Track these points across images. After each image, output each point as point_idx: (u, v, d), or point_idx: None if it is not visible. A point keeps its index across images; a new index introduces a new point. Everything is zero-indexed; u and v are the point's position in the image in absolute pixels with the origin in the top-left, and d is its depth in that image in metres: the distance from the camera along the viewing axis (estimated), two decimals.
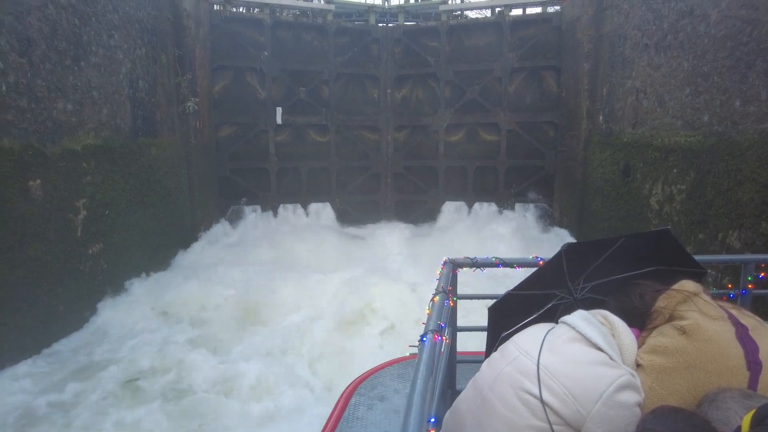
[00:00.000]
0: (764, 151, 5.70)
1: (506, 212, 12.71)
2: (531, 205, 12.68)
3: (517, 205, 12.74)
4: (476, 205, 13.00)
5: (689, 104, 7.14)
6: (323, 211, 13.11)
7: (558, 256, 2.11)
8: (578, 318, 1.64)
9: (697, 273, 2.02)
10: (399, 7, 13.23)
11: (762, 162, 5.72)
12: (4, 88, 5.60)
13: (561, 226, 11.83)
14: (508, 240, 11.05)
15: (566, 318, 1.68)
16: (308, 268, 9.75)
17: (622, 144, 9.07)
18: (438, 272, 2.50)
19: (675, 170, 7.37)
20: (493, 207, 12.86)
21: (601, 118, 10.06)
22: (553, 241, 10.86)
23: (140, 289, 8.27)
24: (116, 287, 7.92)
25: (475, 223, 12.55)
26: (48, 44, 6.36)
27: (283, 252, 10.85)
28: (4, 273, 5.70)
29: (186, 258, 10.10)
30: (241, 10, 12.67)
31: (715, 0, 6.59)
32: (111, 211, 7.74)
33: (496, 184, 12.92)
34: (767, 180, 5.64)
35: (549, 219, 12.41)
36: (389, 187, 13.55)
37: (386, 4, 13.35)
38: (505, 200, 12.79)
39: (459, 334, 2.88)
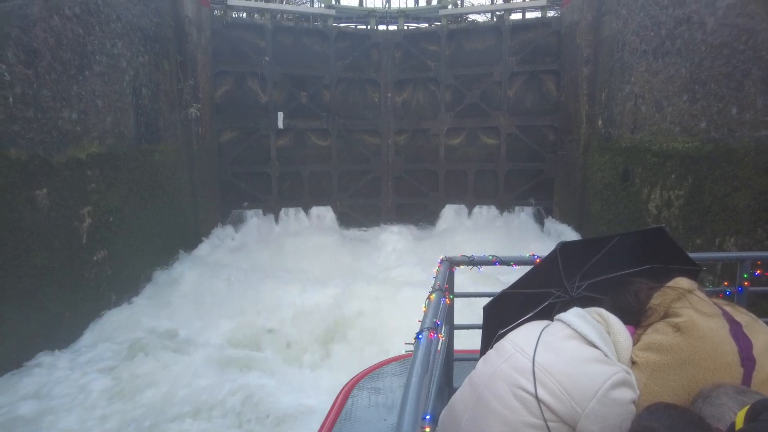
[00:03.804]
0: (760, 158, 5.77)
1: (506, 215, 12.77)
2: (531, 209, 12.75)
3: (517, 208, 12.80)
4: (476, 209, 13.07)
5: (687, 111, 7.20)
6: (324, 215, 13.18)
7: (553, 255, 2.12)
8: (574, 315, 1.64)
9: (692, 270, 2.03)
10: (399, 11, 13.28)
11: (758, 169, 5.78)
12: (11, 99, 5.69)
13: (560, 229, 11.86)
14: (508, 243, 11.11)
15: (562, 315, 1.68)
16: (309, 271, 9.85)
17: (621, 149, 9.13)
18: (435, 270, 2.48)
19: (673, 176, 7.44)
20: (494, 210, 12.92)
21: (600, 122, 10.12)
22: (553, 245, 10.89)
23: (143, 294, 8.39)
24: (120, 293, 8.00)
25: (475, 225, 12.62)
26: (53, 55, 6.44)
27: (285, 255, 10.94)
28: (12, 281, 5.78)
29: (189, 262, 10.17)
30: (242, 15, 12.74)
31: (711, 8, 6.65)
32: (115, 218, 7.82)
33: (496, 188, 12.99)
34: (763, 187, 5.71)
35: (549, 222, 12.46)
36: (390, 190, 13.62)
37: (387, 7, 13.41)
38: (505, 203, 12.85)
39: (457, 333, 2.87)
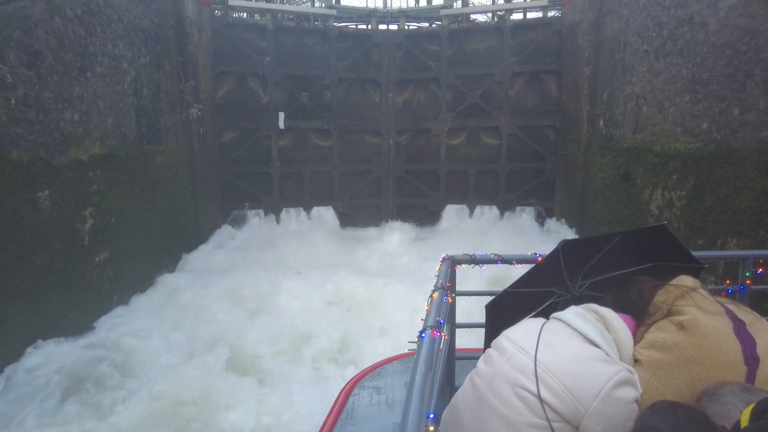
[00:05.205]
0: (762, 159, 5.76)
1: (507, 215, 12.78)
2: (532, 209, 12.75)
3: (518, 209, 12.81)
4: (477, 209, 13.08)
5: (689, 111, 7.19)
6: (325, 215, 13.20)
7: (555, 254, 2.10)
8: (573, 315, 1.63)
9: (694, 268, 2.02)
10: (400, 11, 13.28)
11: (760, 170, 5.78)
12: (13, 101, 5.68)
13: (561, 229, 11.87)
14: (509, 243, 11.09)
15: (559, 314, 1.67)
16: (310, 272, 9.85)
17: (623, 149, 9.12)
18: (437, 269, 2.49)
19: (675, 176, 7.43)
20: (495, 210, 12.93)
21: (601, 122, 10.11)
22: (554, 245, 10.87)
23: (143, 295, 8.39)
24: (122, 294, 8.00)
25: (476, 226, 12.62)
26: (55, 56, 6.43)
27: (286, 256, 10.93)
28: (14, 282, 5.78)
29: (190, 263, 10.19)
30: (243, 15, 12.74)
31: (713, 8, 6.64)
32: (117, 219, 7.82)
33: (497, 188, 12.99)
34: (765, 188, 5.71)
35: (550, 222, 12.46)
36: (391, 190, 13.62)
37: (387, 8, 13.40)
38: (506, 204, 12.86)
39: (458, 332, 2.86)
